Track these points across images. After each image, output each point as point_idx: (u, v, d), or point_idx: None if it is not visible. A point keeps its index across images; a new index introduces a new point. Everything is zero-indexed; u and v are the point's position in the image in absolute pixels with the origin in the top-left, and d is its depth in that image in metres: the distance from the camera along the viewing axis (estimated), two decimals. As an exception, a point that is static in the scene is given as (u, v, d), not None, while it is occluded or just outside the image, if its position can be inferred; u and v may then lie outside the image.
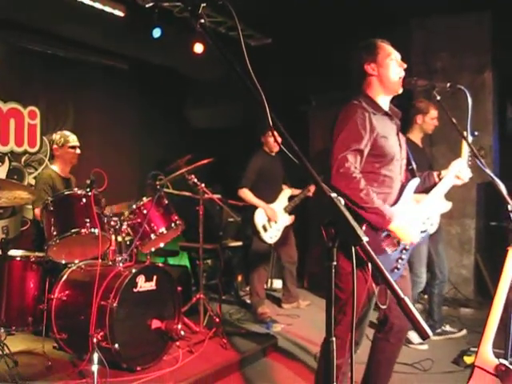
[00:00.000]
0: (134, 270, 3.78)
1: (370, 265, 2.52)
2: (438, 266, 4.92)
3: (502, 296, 2.61)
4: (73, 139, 4.83)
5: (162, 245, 4.65)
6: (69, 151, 4.80)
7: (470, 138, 3.01)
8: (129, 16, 5.97)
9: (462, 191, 5.83)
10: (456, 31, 6.43)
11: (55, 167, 4.84)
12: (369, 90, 2.90)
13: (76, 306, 3.85)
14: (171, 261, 6.63)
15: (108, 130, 7.11)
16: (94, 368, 3.32)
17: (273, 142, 5.54)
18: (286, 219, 5.72)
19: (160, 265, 4.41)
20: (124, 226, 4.21)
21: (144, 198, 4.37)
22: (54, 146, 4.81)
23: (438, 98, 3.01)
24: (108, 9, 5.78)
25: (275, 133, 1.54)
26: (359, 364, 3.15)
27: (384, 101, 2.93)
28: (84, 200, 3.90)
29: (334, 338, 1.51)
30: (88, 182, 3.94)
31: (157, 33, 6.06)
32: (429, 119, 4.77)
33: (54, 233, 3.81)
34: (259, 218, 5.46)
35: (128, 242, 4.32)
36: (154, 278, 3.92)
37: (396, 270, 2.85)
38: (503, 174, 5.41)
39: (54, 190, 4.61)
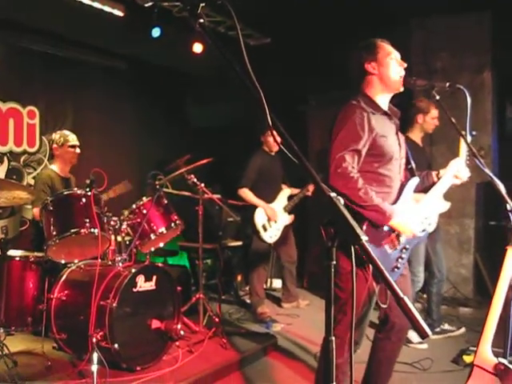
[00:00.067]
0: (133, 270, 3.79)
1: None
2: (436, 265, 4.92)
3: (501, 295, 2.62)
4: (72, 138, 4.83)
5: (161, 244, 4.65)
6: (68, 151, 4.79)
7: (469, 138, 3.01)
8: (128, 16, 5.96)
9: (462, 191, 5.85)
10: (455, 31, 6.44)
11: (54, 167, 4.84)
12: (368, 90, 2.91)
13: (75, 305, 3.85)
14: (171, 261, 6.62)
15: (107, 130, 7.11)
16: (94, 368, 3.33)
17: (272, 142, 5.54)
18: (286, 219, 5.72)
19: (159, 265, 4.41)
20: (124, 226, 4.21)
21: (144, 198, 4.37)
22: (54, 146, 4.81)
23: (438, 97, 3.02)
24: (107, 8, 5.78)
25: (274, 133, 1.54)
26: (359, 363, 3.15)
27: (383, 100, 2.93)
28: (84, 200, 3.90)
29: (333, 338, 1.51)
30: (88, 181, 3.94)
31: (156, 32, 6.06)
32: (429, 119, 4.78)
33: (54, 233, 3.80)
34: (259, 218, 5.46)
35: (127, 242, 4.32)
36: (154, 277, 3.92)
37: (396, 270, 2.85)
38: (502, 173, 5.41)
39: (53, 189, 4.60)
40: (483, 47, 6.43)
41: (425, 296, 5.55)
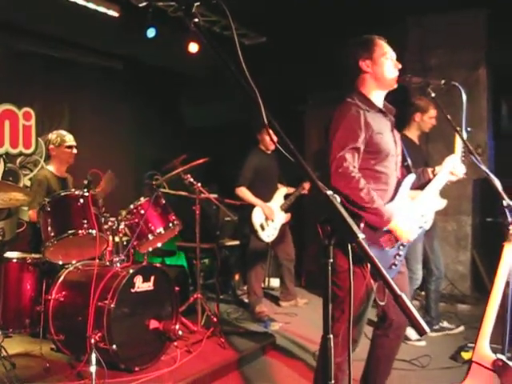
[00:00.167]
0: (131, 271, 3.78)
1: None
2: (433, 262, 4.93)
3: (499, 291, 2.62)
4: (69, 139, 4.79)
5: (159, 245, 4.66)
6: (65, 151, 4.76)
7: (464, 134, 3.01)
8: (123, 16, 5.96)
9: (458, 188, 5.86)
10: (451, 29, 6.45)
11: (51, 167, 4.81)
12: (362, 87, 2.90)
13: (73, 307, 3.85)
14: (168, 261, 6.62)
15: (103, 130, 7.10)
16: (92, 369, 3.32)
17: (269, 140, 5.54)
18: (283, 217, 5.72)
19: (157, 265, 4.41)
20: (121, 227, 4.21)
21: (141, 198, 4.36)
22: (51, 146, 4.76)
23: (433, 94, 3.02)
24: (102, 9, 5.77)
25: (271, 131, 1.54)
26: (358, 361, 3.15)
27: (378, 97, 2.93)
28: (81, 201, 3.89)
29: (331, 336, 1.52)
30: (85, 182, 3.93)
31: (151, 33, 6.05)
32: (427, 118, 4.78)
33: (52, 234, 3.80)
34: (257, 217, 5.46)
35: (125, 243, 4.31)
36: (152, 278, 3.92)
37: (394, 267, 2.86)
38: (498, 170, 5.42)
39: (49, 190, 4.58)
40: (478, 44, 6.45)
41: (423, 293, 5.56)
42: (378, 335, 3.14)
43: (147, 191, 4.51)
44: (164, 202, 4.50)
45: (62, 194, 3.99)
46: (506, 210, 2.70)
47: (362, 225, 2.70)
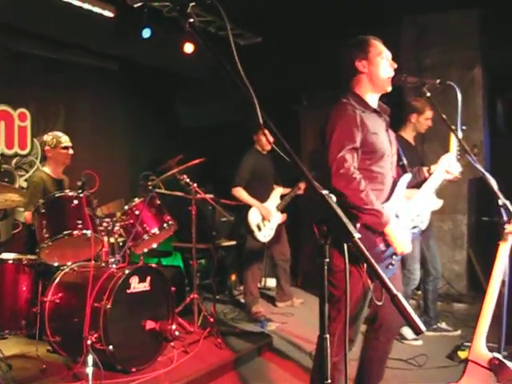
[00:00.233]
0: (127, 271, 3.77)
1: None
2: (430, 262, 4.93)
3: (495, 290, 2.63)
4: (65, 140, 4.76)
5: (154, 245, 4.64)
6: (61, 152, 4.72)
7: (460, 134, 3.02)
8: (118, 17, 5.95)
9: (454, 187, 5.87)
10: (446, 28, 6.46)
11: (47, 169, 4.78)
12: (357, 88, 2.91)
13: (69, 308, 3.84)
14: (164, 261, 6.61)
15: (99, 131, 7.09)
16: (89, 370, 3.31)
17: (265, 141, 5.54)
18: (279, 217, 5.73)
19: (153, 265, 4.40)
20: (116, 227, 4.19)
21: (136, 199, 4.36)
22: (46, 148, 4.72)
23: (428, 94, 3.02)
24: (97, 9, 5.76)
25: (266, 132, 1.54)
26: (355, 361, 3.17)
27: (372, 99, 2.93)
28: (76, 202, 3.88)
29: (327, 335, 1.52)
30: (79, 183, 3.92)
31: (146, 33, 6.05)
32: (423, 119, 4.78)
33: (46, 235, 3.78)
34: (253, 217, 5.46)
35: (121, 243, 4.30)
36: (148, 278, 3.91)
37: (390, 266, 2.85)
38: (494, 169, 5.43)
39: (45, 192, 4.55)
40: (473, 43, 6.46)
41: (419, 293, 5.57)
42: (369, 338, 3.14)
43: (142, 192, 4.50)
44: (159, 202, 4.49)
45: (57, 195, 3.97)
46: (502, 209, 2.71)
47: (358, 225, 2.70)
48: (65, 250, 4.03)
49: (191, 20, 1.59)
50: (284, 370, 4.18)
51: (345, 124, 2.75)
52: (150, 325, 3.86)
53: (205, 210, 6.34)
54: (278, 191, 5.84)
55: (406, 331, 4.66)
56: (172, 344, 4.06)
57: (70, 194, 3.93)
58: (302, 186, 5.77)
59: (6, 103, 6.04)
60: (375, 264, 1.40)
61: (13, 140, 6.12)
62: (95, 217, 3.99)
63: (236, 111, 5.03)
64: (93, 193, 4.10)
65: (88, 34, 6.19)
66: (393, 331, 3.15)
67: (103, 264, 4.11)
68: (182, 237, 6.26)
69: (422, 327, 1.38)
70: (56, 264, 4.08)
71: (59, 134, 4.83)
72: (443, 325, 5.05)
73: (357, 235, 1.39)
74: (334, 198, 1.45)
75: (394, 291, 1.38)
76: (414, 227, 3.00)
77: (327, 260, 1.50)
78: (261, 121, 1.51)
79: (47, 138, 4.75)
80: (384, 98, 3.00)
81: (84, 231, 3.79)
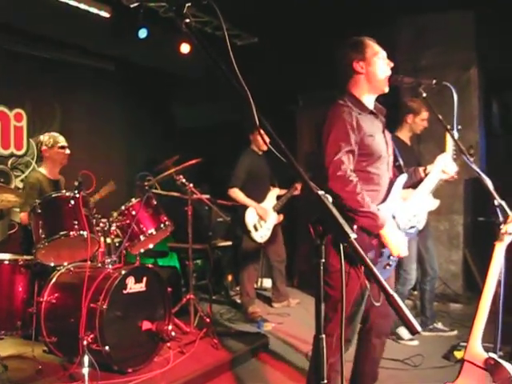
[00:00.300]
0: (123, 272, 3.77)
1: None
2: (428, 262, 4.94)
3: (490, 290, 2.63)
4: (62, 139, 4.75)
5: (151, 246, 4.64)
6: (59, 152, 4.71)
7: (456, 134, 3.02)
8: (115, 17, 5.95)
9: (450, 187, 5.88)
10: (442, 29, 6.48)
11: (43, 170, 4.76)
12: (354, 89, 2.90)
13: (65, 308, 3.82)
14: (161, 262, 6.61)
15: (95, 131, 7.09)
16: (85, 371, 3.32)
17: (261, 141, 5.54)
18: (275, 218, 5.73)
19: (149, 266, 4.39)
20: (113, 228, 4.19)
21: (133, 199, 4.36)
22: (43, 148, 4.69)
23: (424, 94, 3.03)
24: (94, 10, 5.76)
25: (262, 132, 1.54)
26: (351, 362, 3.17)
27: (369, 100, 2.93)
28: (72, 202, 3.88)
29: (323, 336, 1.52)
30: (76, 183, 3.91)
31: (143, 33, 6.05)
32: (419, 120, 4.78)
33: (43, 235, 3.78)
34: (250, 218, 5.47)
35: (117, 244, 4.30)
36: (144, 279, 3.91)
37: (388, 267, 2.86)
38: (489, 170, 5.45)
39: (41, 193, 4.54)
40: (469, 44, 6.48)
41: (415, 293, 5.57)
42: (362, 340, 3.14)
43: (138, 192, 4.50)
44: (155, 202, 4.49)
45: (53, 195, 3.96)
46: (498, 210, 2.71)
47: (354, 227, 2.70)
48: (61, 250, 4.03)
49: (187, 20, 1.58)
50: (280, 371, 4.18)
51: (341, 126, 2.75)
52: (146, 325, 3.85)
53: (201, 210, 6.33)
54: (274, 192, 5.85)
55: (402, 331, 4.66)
56: (168, 344, 4.05)
57: (67, 194, 3.92)
58: (299, 186, 5.79)
59: (1, 103, 6.03)
60: (371, 264, 1.40)
61: (9, 140, 6.10)
62: (91, 217, 3.99)
63: (232, 111, 5.04)
64: (89, 193, 4.10)
65: (84, 35, 6.18)
66: (384, 335, 3.17)
67: (99, 264, 4.11)
68: (178, 237, 6.25)
69: (418, 327, 1.38)
70: (52, 264, 4.07)
71: (55, 134, 4.83)
72: (439, 325, 5.05)
73: (353, 235, 1.39)
74: (329, 199, 1.46)
75: (390, 291, 1.38)
76: (411, 227, 3.00)
77: (323, 260, 1.50)
78: (257, 121, 1.51)
79: (44, 138, 4.74)
80: (380, 98, 3.01)
81: (80, 232, 3.79)
